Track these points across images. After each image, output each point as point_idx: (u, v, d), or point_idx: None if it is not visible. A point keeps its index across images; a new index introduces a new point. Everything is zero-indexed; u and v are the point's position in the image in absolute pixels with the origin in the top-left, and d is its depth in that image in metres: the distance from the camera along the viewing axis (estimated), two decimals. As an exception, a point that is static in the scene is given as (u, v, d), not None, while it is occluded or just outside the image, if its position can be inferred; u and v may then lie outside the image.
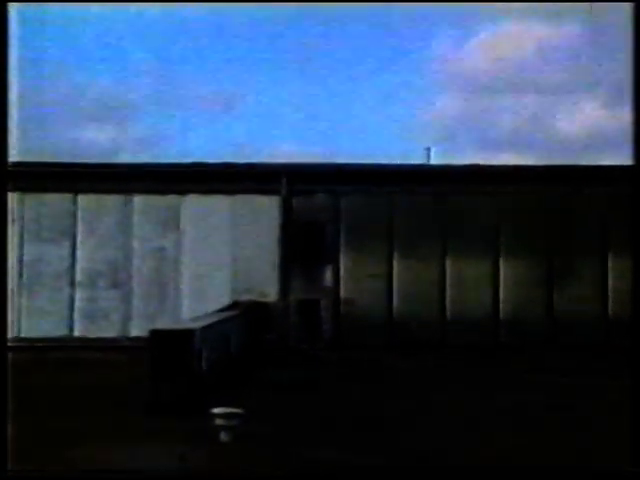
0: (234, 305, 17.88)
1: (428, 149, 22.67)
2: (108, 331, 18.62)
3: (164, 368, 10.15)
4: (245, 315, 16.80)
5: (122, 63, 45.33)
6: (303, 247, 18.78)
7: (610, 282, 18.68)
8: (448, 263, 18.77)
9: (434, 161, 21.28)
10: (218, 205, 18.99)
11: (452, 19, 40.07)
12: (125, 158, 43.79)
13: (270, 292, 18.75)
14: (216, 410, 8.60)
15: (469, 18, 41.76)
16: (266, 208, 18.88)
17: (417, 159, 21.26)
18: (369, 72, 45.56)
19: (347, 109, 45.78)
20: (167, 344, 10.21)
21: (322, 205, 18.89)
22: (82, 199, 18.94)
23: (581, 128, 44.71)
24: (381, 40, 45.06)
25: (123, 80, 44.62)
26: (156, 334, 10.27)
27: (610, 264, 18.70)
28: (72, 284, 18.76)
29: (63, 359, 16.44)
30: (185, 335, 10.29)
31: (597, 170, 18.90)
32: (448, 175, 18.91)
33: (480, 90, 44.81)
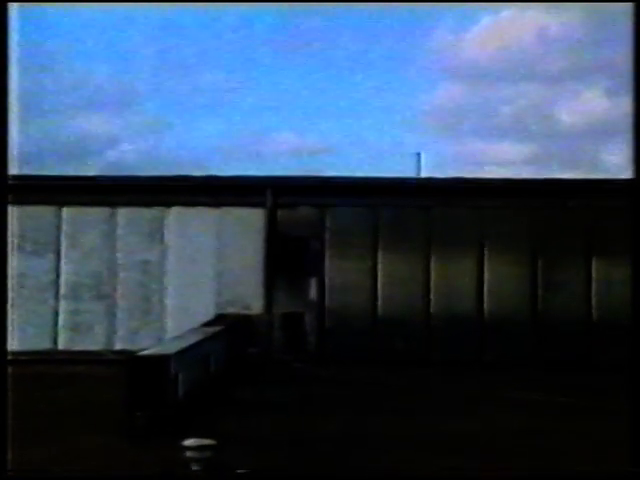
0: (218, 318, 17.86)
1: (418, 154, 22.69)
2: (92, 344, 18.60)
3: (139, 394, 10.12)
4: (229, 329, 16.75)
5: (123, 53, 45.23)
6: (288, 260, 18.77)
7: (594, 295, 18.72)
8: (433, 276, 18.78)
9: (426, 160, 21.34)
10: (203, 217, 18.98)
11: (452, 7, 39.91)
12: (125, 147, 43.76)
13: (254, 305, 18.73)
14: (187, 442, 8.55)
15: (469, 6, 41.57)
16: (251, 221, 18.87)
17: (417, 148, 21.21)
18: (368, 61, 45.48)
19: (346, 99, 45.76)
20: (142, 370, 10.18)
21: (307, 218, 18.89)
22: (66, 211, 18.91)
23: (582, 117, 44.61)
24: (380, 30, 44.96)
25: (124, 69, 44.59)
26: (131, 360, 10.25)
27: (594, 276, 18.73)
28: (56, 297, 18.74)
29: (46, 373, 16.41)
30: (160, 361, 10.28)
31: (581, 183, 18.91)
32: (433, 188, 18.93)
33: (480, 79, 44.73)
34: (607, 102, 45.10)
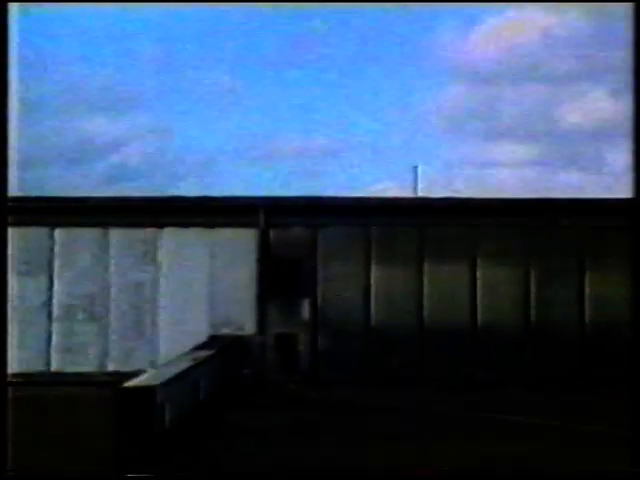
0: (212, 340, 17.87)
1: (415, 167, 22.64)
2: (85, 366, 18.58)
3: (125, 425, 10.10)
4: (221, 351, 16.74)
5: (127, 54, 45.24)
6: (281, 280, 18.76)
7: (587, 311, 18.73)
8: (426, 294, 18.77)
9: (430, 161, 21.31)
10: (196, 238, 18.97)
11: (456, 8, 39.92)
12: (129, 149, 43.75)
13: (247, 325, 18.72)
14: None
15: (474, 7, 41.56)
16: (244, 241, 18.87)
17: (421, 149, 21.11)
18: (373, 62, 45.44)
19: (351, 100, 45.73)
20: (128, 401, 10.17)
21: (300, 238, 18.89)
22: (59, 233, 18.91)
23: (586, 117, 44.45)
24: (385, 30, 44.92)
25: (128, 71, 44.61)
26: (117, 391, 10.24)
27: (587, 292, 18.75)
28: (49, 318, 18.73)
29: (36, 395, 16.35)
30: (146, 392, 10.26)
31: (573, 202, 18.92)
32: (425, 207, 18.95)
33: (485, 79, 44.67)
34: (612, 103, 44.87)
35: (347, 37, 45.27)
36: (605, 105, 44.25)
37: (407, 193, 21.87)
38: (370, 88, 45.50)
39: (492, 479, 9.42)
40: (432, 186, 22.29)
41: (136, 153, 43.80)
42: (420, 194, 21.67)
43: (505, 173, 44.44)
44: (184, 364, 13.34)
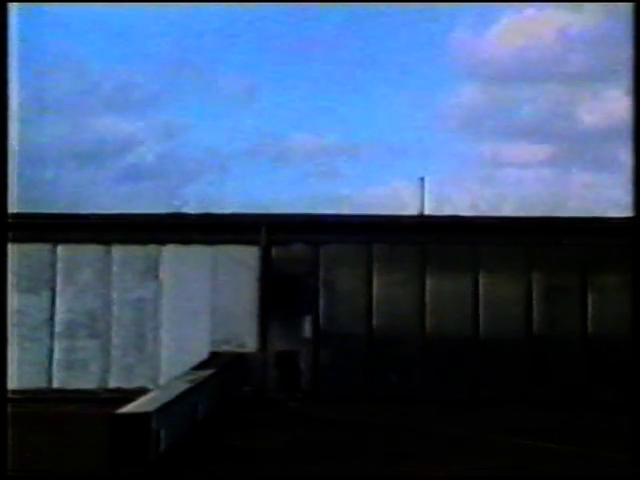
0: (212, 357, 17.86)
1: (422, 179, 22.59)
2: (87, 382, 18.60)
3: (119, 451, 10.08)
4: (222, 369, 16.73)
5: (142, 53, 45.25)
6: (282, 297, 18.75)
7: (590, 330, 18.67)
8: (429, 311, 18.73)
9: (444, 160, 21.26)
10: (197, 255, 18.98)
11: (472, 6, 39.65)
12: (144, 148, 43.78)
13: (249, 343, 18.71)
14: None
15: (489, 5, 41.28)
16: (245, 258, 18.87)
17: (436, 148, 21.00)
18: (387, 60, 45.20)
19: (365, 99, 45.50)
20: (122, 428, 10.15)
21: (301, 255, 18.88)
22: (61, 249, 18.95)
23: (603, 117, 44.00)
24: (401, 29, 44.76)
25: (143, 70, 44.60)
26: (111, 418, 10.22)
27: (590, 311, 18.68)
28: (51, 335, 18.76)
29: (37, 413, 16.35)
30: (140, 419, 10.24)
31: (574, 221, 18.87)
32: (428, 225, 18.95)
33: (500, 78, 44.36)
34: (629, 102, 44.34)
35: (362, 36, 44.95)
36: (622, 105, 43.75)
37: (420, 194, 21.84)
38: (385, 86, 45.31)
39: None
40: (443, 187, 22.19)
41: (150, 152, 43.82)
42: (428, 202, 21.67)
43: (520, 173, 44.11)
44: (182, 385, 13.32)
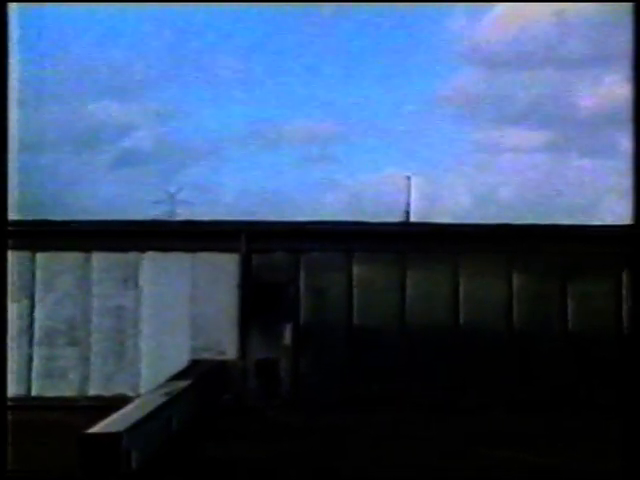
0: (192, 365, 17.83)
1: (408, 177, 22.63)
2: (66, 390, 18.53)
3: (89, 471, 10.06)
4: (201, 377, 16.69)
5: (139, 38, 44.93)
6: (262, 305, 18.72)
7: (573, 337, 18.73)
8: (409, 320, 18.74)
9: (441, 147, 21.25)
10: (177, 263, 18.92)
11: None
12: (140, 133, 43.60)
13: (229, 350, 18.68)
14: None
15: None
16: (225, 266, 18.83)
17: (433, 134, 21.03)
18: (383, 47, 45.09)
19: (361, 86, 45.39)
20: (93, 448, 10.12)
21: (282, 263, 18.86)
22: (40, 256, 18.86)
23: (601, 103, 43.77)
24: (397, 15, 44.65)
25: (139, 55, 44.36)
26: (81, 438, 10.18)
27: (570, 319, 18.75)
28: (30, 342, 18.67)
29: (12, 422, 16.24)
30: (110, 439, 10.20)
31: (553, 229, 18.90)
32: (408, 233, 18.96)
33: (497, 64, 44.16)
34: (627, 88, 44.05)
35: (359, 23, 44.87)
36: (620, 91, 43.55)
37: (415, 181, 21.83)
38: (382, 73, 45.17)
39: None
40: (439, 174, 22.19)
41: (147, 137, 43.66)
42: (424, 190, 21.70)
43: (518, 158, 43.92)
44: (157, 399, 13.28)
